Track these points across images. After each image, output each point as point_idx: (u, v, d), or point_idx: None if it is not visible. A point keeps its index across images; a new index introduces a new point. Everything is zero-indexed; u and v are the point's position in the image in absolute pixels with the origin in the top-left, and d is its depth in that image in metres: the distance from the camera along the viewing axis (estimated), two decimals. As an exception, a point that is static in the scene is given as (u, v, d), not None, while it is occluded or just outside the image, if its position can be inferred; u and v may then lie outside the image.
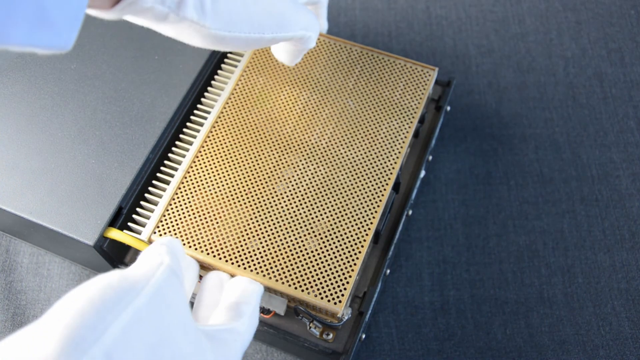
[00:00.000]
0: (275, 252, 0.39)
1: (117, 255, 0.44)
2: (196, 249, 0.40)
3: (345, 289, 0.38)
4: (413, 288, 0.49)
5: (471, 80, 0.59)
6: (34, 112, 0.45)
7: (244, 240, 0.40)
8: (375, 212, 0.41)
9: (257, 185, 0.42)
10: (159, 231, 0.40)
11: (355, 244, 0.40)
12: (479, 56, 0.60)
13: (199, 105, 0.46)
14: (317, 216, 0.41)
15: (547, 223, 0.52)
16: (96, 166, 0.43)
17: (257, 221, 0.41)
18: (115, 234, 0.40)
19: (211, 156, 0.43)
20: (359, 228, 0.41)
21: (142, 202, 0.42)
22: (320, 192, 0.42)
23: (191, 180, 0.42)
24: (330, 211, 0.41)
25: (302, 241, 0.40)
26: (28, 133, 0.44)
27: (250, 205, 0.41)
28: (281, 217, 0.41)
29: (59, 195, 0.42)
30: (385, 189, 0.42)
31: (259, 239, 0.40)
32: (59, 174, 0.42)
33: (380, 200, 0.42)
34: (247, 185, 0.42)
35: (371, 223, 0.41)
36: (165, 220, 0.41)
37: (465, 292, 0.49)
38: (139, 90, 0.46)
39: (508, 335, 0.48)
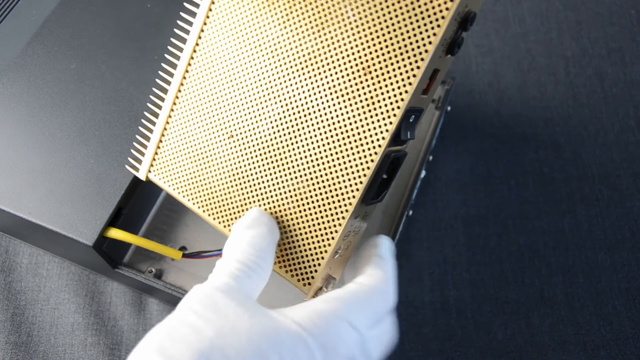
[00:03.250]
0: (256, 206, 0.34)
1: (117, 256, 0.44)
2: (184, 196, 0.37)
3: (317, 268, 0.31)
4: (413, 288, 0.49)
5: (471, 80, 0.59)
6: (34, 112, 0.45)
7: (230, 192, 0.35)
8: (368, 168, 0.30)
9: (244, 120, 0.34)
10: (155, 171, 0.38)
11: (338, 208, 0.31)
12: (479, 56, 0.60)
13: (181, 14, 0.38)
14: (299, 167, 0.32)
15: (547, 223, 0.52)
16: (95, 166, 0.43)
17: (241, 169, 0.34)
18: (115, 233, 0.40)
19: (198, 81, 0.36)
20: (345, 188, 0.31)
21: (137, 137, 0.40)
22: (310, 133, 0.32)
23: (180, 111, 0.37)
24: (314, 162, 0.32)
25: (283, 199, 0.33)
26: (27, 133, 0.44)
27: (235, 150, 0.34)
28: (263, 162, 0.33)
29: (58, 195, 0.42)
30: (382, 138, 0.30)
31: (242, 190, 0.34)
32: (58, 174, 0.42)
33: (375, 153, 0.30)
34: (234, 118, 0.34)
35: (360, 183, 0.30)
36: (159, 157, 0.38)
37: (466, 292, 0.49)
38: (138, 90, 0.45)
39: (509, 335, 0.47)
